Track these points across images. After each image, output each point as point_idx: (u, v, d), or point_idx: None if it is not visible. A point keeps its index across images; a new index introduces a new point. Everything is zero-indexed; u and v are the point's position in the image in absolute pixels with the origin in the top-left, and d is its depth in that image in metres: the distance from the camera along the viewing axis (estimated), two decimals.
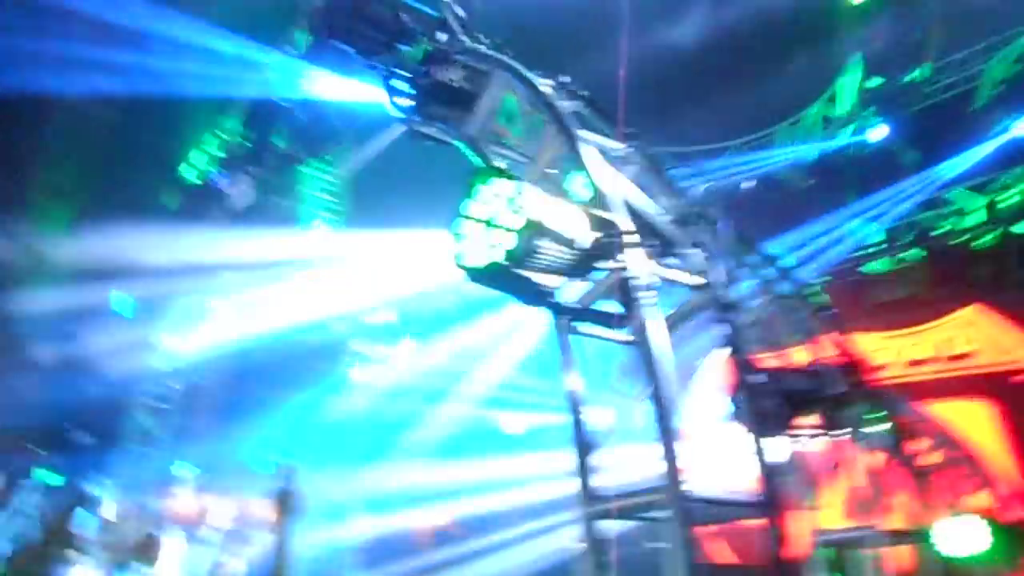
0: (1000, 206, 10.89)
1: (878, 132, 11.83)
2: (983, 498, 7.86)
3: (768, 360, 6.03)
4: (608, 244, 3.24)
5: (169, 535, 12.14)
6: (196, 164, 14.55)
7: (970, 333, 11.08)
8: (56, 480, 13.56)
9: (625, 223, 3.45)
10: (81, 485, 13.05)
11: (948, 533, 7.07)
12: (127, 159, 13.97)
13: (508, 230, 2.91)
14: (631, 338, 3.64)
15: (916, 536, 5.54)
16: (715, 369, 3.73)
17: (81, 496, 12.32)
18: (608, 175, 3.92)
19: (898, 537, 5.61)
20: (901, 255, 12.02)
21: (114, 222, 13.17)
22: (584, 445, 3.95)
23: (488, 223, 3.02)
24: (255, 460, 14.62)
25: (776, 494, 3.46)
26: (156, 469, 14.43)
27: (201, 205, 14.47)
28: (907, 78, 11.29)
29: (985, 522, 7.13)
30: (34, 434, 12.88)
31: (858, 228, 11.96)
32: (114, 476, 13.89)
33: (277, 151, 14.44)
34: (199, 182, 14.74)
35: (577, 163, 3.85)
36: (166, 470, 14.54)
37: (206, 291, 14.88)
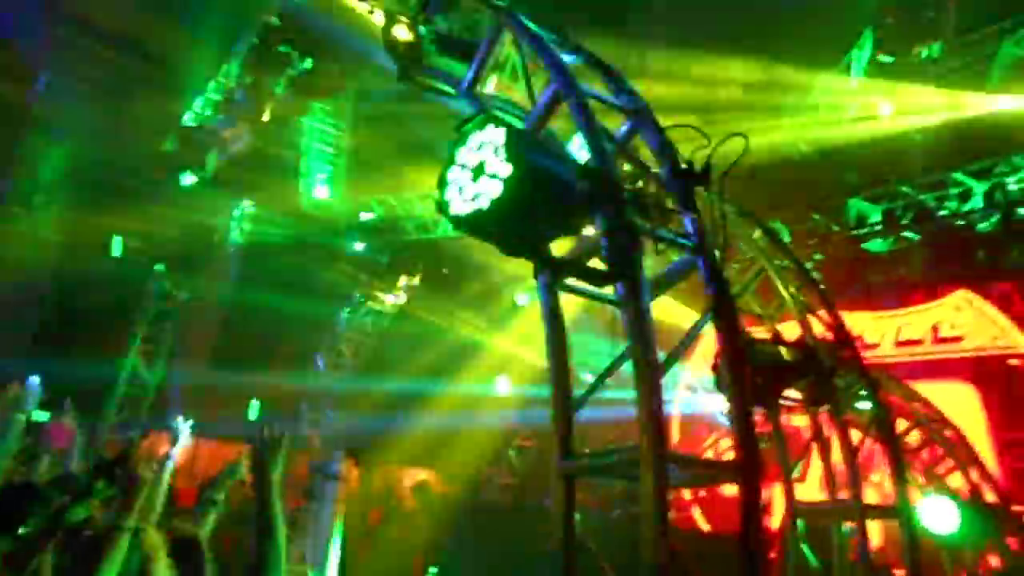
0: (1000, 191, 10.82)
1: (886, 108, 11.68)
2: (958, 479, 7.94)
3: (757, 332, 6.03)
4: (599, 198, 3.17)
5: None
6: (196, 110, 14.49)
7: (958, 317, 11.13)
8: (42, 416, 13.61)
9: (617, 179, 3.38)
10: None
11: (923, 511, 7.17)
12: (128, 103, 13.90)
13: (495, 178, 2.84)
14: (617, 298, 3.59)
15: (891, 512, 5.57)
16: (708, 339, 3.70)
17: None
18: (604, 130, 3.84)
19: (874, 512, 5.64)
20: (899, 236, 11.98)
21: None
22: (564, 403, 3.93)
23: (476, 171, 2.95)
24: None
25: (753, 460, 3.44)
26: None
27: (198, 150, 14.42)
28: (918, 56, 11.10)
29: (958, 502, 7.23)
30: None
31: (858, 207, 11.90)
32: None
33: (276, 98, 14.27)
34: (196, 125, 14.68)
35: (574, 117, 3.77)
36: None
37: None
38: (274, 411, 16.30)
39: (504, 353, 16.19)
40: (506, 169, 2.80)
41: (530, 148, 2.86)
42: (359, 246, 16.11)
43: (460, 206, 2.96)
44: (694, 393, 13.01)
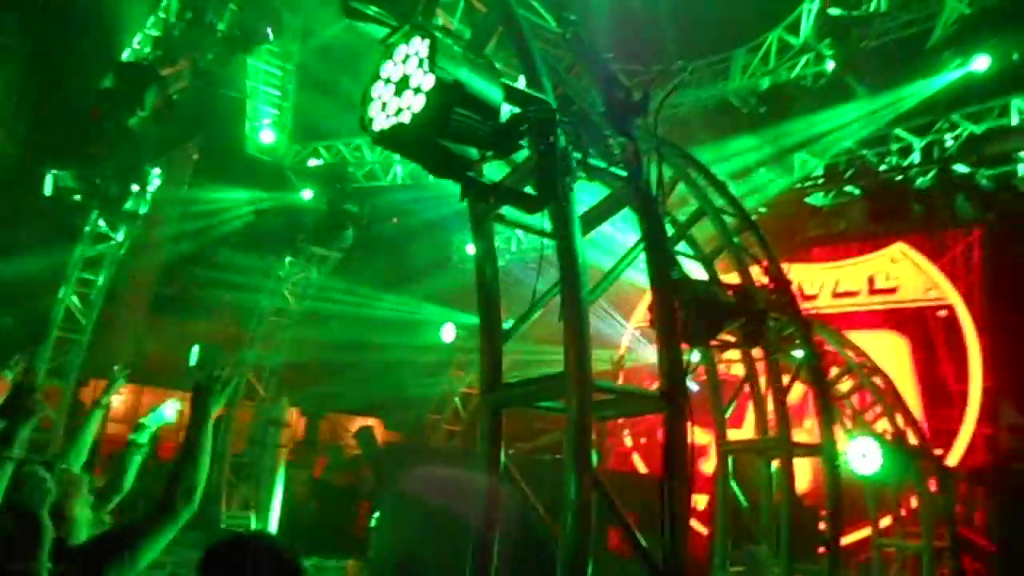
0: (938, 147, 11.06)
1: (831, 64, 11.76)
2: (884, 424, 8.22)
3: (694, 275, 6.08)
4: (529, 121, 3.10)
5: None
6: (135, 46, 13.90)
7: (893, 269, 11.43)
8: None
9: (550, 103, 3.31)
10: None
11: (849, 452, 7.42)
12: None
13: (419, 92, 2.74)
14: (547, 230, 3.55)
15: (816, 450, 5.73)
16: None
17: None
18: (543, 57, 3.75)
19: (800, 449, 5.80)
20: (840, 190, 12.18)
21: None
22: (491, 336, 3.91)
23: (400, 84, 2.84)
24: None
25: (678, 389, 3.46)
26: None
27: (136, 86, 13.84)
28: (865, 10, 11.15)
29: (882, 444, 7.49)
30: None
31: (801, 159, 12.03)
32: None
33: (217, 34, 13.74)
34: (134, 61, 14.10)
35: (511, 40, 3.68)
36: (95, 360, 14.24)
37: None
38: (216, 358, 16.02)
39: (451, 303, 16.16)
40: (430, 81, 2.70)
41: (455, 60, 2.76)
42: (306, 193, 15.77)
43: (383, 122, 2.86)
44: (638, 343, 13.21)
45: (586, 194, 3.87)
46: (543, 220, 3.58)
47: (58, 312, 13.80)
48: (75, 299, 13.76)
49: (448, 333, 15.86)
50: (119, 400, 18.32)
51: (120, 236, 13.79)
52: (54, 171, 13.27)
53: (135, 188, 12.47)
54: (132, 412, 18.71)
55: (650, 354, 13.21)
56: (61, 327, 13.68)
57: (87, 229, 13.69)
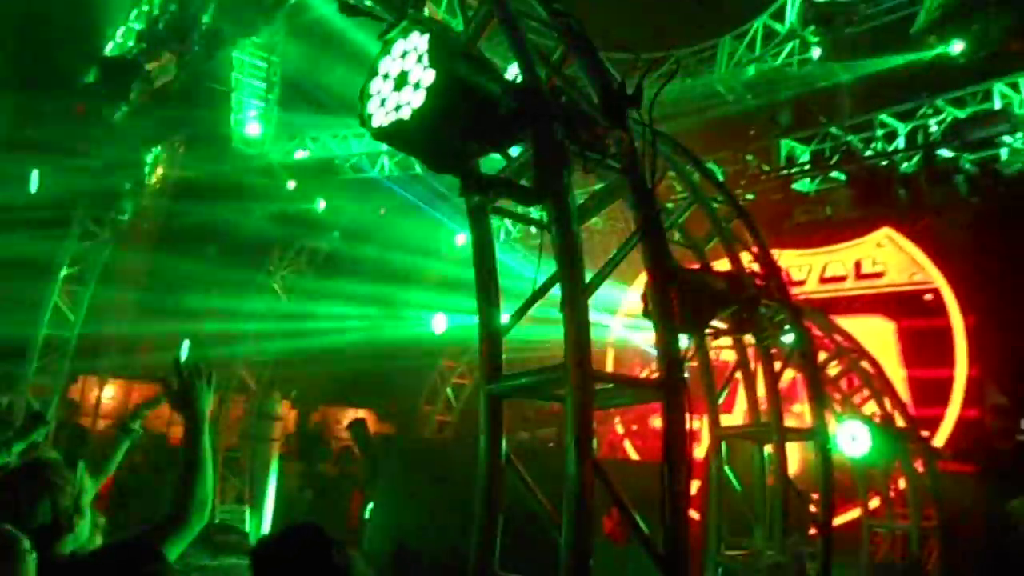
0: (922, 133, 11.16)
1: (816, 51, 11.85)
2: (872, 407, 8.34)
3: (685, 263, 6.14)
4: (526, 114, 3.13)
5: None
6: (118, 40, 13.81)
7: (880, 254, 11.54)
8: None
9: (546, 96, 3.35)
10: None
11: (838, 435, 7.53)
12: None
13: (418, 87, 2.77)
14: (544, 221, 3.59)
15: (808, 434, 5.82)
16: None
17: None
18: (536, 50, 3.78)
19: (792, 434, 5.88)
20: (827, 176, 12.28)
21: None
22: (490, 327, 3.94)
23: (399, 80, 2.87)
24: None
25: (676, 378, 3.52)
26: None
27: (120, 81, 13.72)
28: None
29: (871, 426, 7.61)
30: None
31: (788, 147, 12.12)
32: None
33: (202, 27, 13.66)
34: (117, 55, 14.01)
35: (505, 34, 3.70)
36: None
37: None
38: (208, 351, 16.04)
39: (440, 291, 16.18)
40: (429, 77, 2.73)
41: (455, 55, 2.79)
42: (292, 185, 15.72)
43: (382, 118, 2.88)
44: (629, 327, 13.27)
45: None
46: (539, 211, 3.63)
47: (46, 311, 13.75)
48: (63, 297, 13.70)
49: (439, 324, 15.88)
50: (109, 396, 18.26)
51: (107, 234, 13.73)
52: (38, 168, 13.20)
53: (127, 185, 12.37)
54: (121, 408, 18.67)
55: (637, 337, 13.31)
56: (49, 326, 13.64)
57: (73, 227, 13.64)
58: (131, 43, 13.51)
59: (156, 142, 15.09)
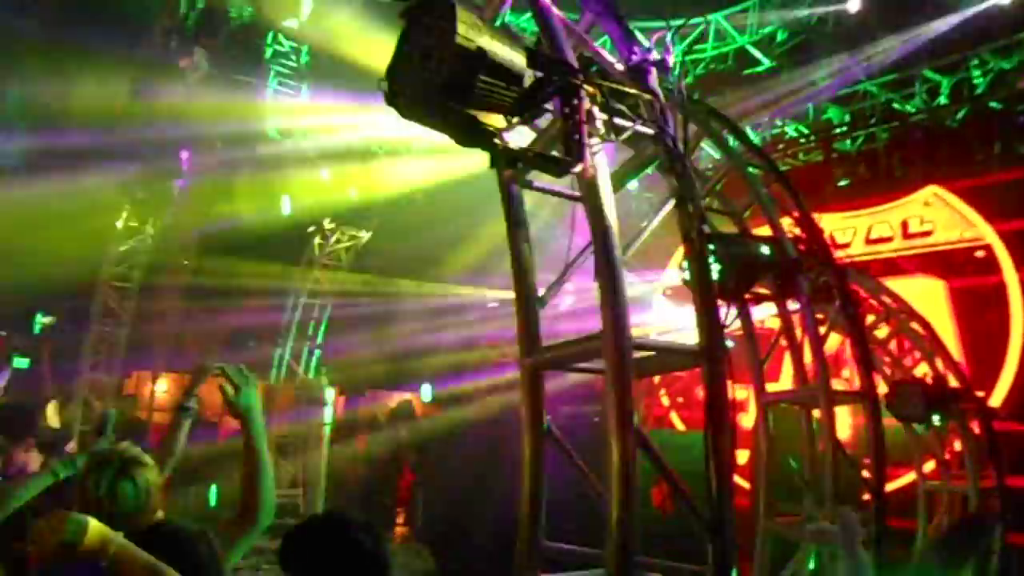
0: (967, 86, 10.77)
1: (852, 4, 11.48)
2: (924, 368, 8.14)
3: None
4: (553, 85, 3.10)
5: None
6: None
7: (927, 212, 11.22)
8: (23, 364, 13.54)
9: (571, 65, 3.30)
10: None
11: (889, 399, 7.38)
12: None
13: (441, 62, 2.75)
14: (578, 193, 3.56)
15: (857, 397, 5.72)
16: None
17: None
18: (563, 20, 3.73)
19: (841, 397, 5.79)
20: (867, 135, 11.95)
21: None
22: (527, 300, 3.94)
23: (423, 55, 2.85)
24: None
25: (716, 344, 3.48)
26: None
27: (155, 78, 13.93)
28: None
29: (924, 388, 7.44)
30: None
31: (826, 107, 11.81)
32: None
33: (231, 21, 13.80)
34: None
35: (529, 3, 3.66)
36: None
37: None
38: (257, 343, 16.38)
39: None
40: (453, 51, 2.71)
41: (477, 28, 2.76)
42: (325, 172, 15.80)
43: (407, 95, 2.87)
44: (670, 299, 13.15)
45: None
46: (572, 183, 3.60)
47: (97, 308, 14.17)
48: (112, 294, 14.10)
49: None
50: (162, 391, 18.76)
51: (150, 228, 14.05)
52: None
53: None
54: (174, 401, 19.14)
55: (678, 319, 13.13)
56: (101, 321, 14.06)
57: (119, 224, 13.99)
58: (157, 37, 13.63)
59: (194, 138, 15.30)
